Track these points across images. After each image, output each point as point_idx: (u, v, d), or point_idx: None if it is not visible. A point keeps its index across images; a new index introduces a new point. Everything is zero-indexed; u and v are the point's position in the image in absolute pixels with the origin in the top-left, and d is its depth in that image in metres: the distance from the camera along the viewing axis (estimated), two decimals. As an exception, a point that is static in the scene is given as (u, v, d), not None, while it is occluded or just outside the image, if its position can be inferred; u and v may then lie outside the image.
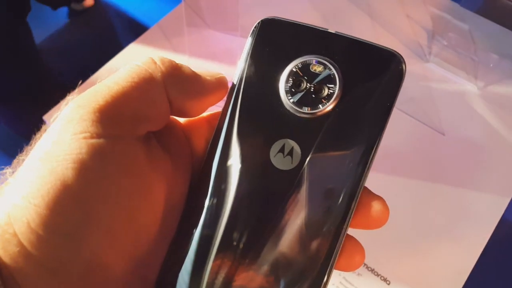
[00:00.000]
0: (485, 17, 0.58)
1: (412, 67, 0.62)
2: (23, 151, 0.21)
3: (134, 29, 1.40)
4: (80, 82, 0.30)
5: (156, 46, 0.64)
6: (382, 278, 0.49)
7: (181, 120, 0.24)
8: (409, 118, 0.58)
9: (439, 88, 0.61)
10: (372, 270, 0.49)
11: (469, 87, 0.61)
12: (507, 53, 0.61)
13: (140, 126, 0.20)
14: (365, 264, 0.50)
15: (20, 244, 0.17)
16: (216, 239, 0.21)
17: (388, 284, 0.49)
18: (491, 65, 0.60)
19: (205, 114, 0.24)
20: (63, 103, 0.20)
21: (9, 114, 1.17)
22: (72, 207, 0.17)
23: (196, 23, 0.61)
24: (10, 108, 1.13)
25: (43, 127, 0.20)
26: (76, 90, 0.21)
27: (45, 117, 0.57)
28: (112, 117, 0.19)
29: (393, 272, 0.49)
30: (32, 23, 1.10)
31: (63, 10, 1.44)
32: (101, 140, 0.18)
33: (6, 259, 0.17)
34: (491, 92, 0.60)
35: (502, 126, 0.58)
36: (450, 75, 0.61)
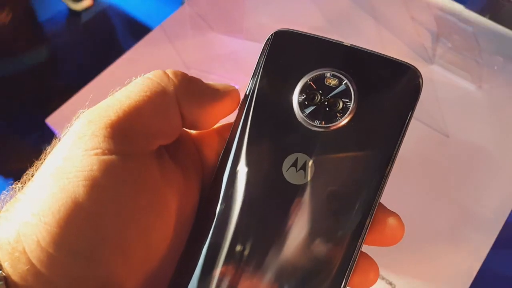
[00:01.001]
0: (490, 19, 0.57)
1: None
2: (32, 165, 0.20)
3: (134, 30, 1.39)
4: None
5: (158, 49, 0.64)
6: (388, 282, 0.49)
7: (192, 131, 0.23)
8: (412, 120, 0.58)
9: (443, 90, 0.60)
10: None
11: (474, 89, 0.60)
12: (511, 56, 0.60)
13: (153, 140, 0.20)
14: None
15: (30, 262, 0.16)
16: (226, 253, 0.20)
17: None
18: (496, 67, 0.59)
19: (216, 125, 0.23)
20: (74, 118, 0.20)
21: (8, 116, 1.17)
22: (83, 225, 0.17)
23: (200, 26, 0.61)
24: (8, 110, 1.13)
25: (54, 141, 0.20)
26: (87, 103, 0.20)
27: (48, 121, 0.57)
28: (124, 133, 0.19)
29: (398, 276, 0.49)
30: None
31: (61, 10, 1.43)
32: (113, 157, 0.18)
33: (16, 277, 0.16)
34: (496, 94, 0.60)
35: (507, 129, 0.58)
36: (455, 77, 0.61)
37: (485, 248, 0.51)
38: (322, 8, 0.67)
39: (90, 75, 0.62)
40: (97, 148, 0.18)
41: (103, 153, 0.18)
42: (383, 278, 0.49)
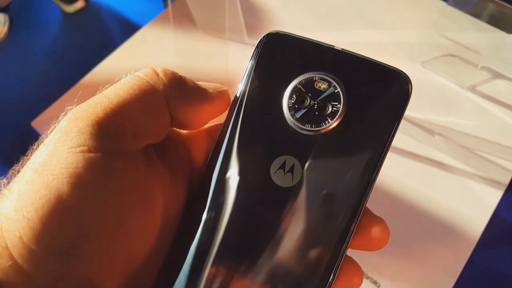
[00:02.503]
0: (475, 17, 0.58)
1: (402, 68, 0.61)
2: (18, 161, 0.20)
3: (127, 31, 1.39)
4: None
5: (145, 48, 0.64)
6: (372, 280, 0.49)
7: (182, 131, 0.23)
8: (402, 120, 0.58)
9: (428, 88, 0.61)
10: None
11: (458, 87, 0.61)
12: (495, 53, 0.61)
13: (140, 139, 0.20)
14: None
15: (12, 258, 0.16)
16: (212, 254, 0.20)
17: (378, 286, 0.49)
18: (480, 65, 0.60)
19: (206, 125, 0.23)
20: (61, 114, 0.19)
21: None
22: (66, 223, 0.17)
23: (185, 26, 0.61)
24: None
25: (40, 137, 0.20)
26: (75, 100, 0.20)
27: (33, 124, 0.57)
28: (111, 131, 0.18)
29: (383, 274, 0.49)
30: (23, 25, 1.09)
31: (55, 12, 1.44)
32: (98, 154, 0.18)
33: None
34: (480, 92, 0.60)
35: (491, 125, 0.58)
36: (439, 75, 0.61)
37: (470, 246, 0.51)
38: (311, 9, 0.67)
39: (82, 76, 0.62)
40: (83, 145, 0.18)
41: (89, 151, 0.18)
42: (368, 277, 0.49)
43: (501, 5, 0.52)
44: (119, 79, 0.20)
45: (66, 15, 1.44)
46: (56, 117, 0.20)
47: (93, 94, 0.20)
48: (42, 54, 1.35)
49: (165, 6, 0.54)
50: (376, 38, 0.63)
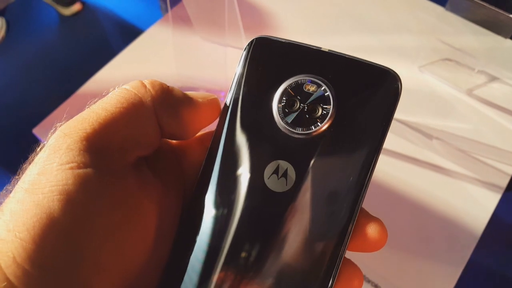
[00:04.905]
0: (472, 21, 0.58)
1: (399, 72, 0.62)
2: (11, 180, 0.20)
3: (125, 34, 1.39)
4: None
5: (144, 55, 0.64)
6: (373, 284, 0.49)
7: (173, 141, 0.23)
8: (397, 124, 0.59)
9: (425, 92, 0.61)
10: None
11: (455, 91, 0.61)
12: (492, 57, 0.61)
13: (130, 153, 0.20)
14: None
15: (6, 279, 0.16)
16: (209, 262, 0.20)
17: (379, 290, 0.49)
18: (476, 69, 0.60)
19: (198, 134, 0.23)
20: (50, 131, 0.20)
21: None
22: (58, 241, 0.17)
23: (184, 32, 0.61)
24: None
25: (30, 157, 0.20)
26: (64, 115, 0.20)
27: (35, 131, 0.57)
28: (100, 146, 0.18)
29: (384, 277, 0.50)
30: (19, 29, 1.09)
31: (51, 15, 1.43)
32: (88, 170, 0.18)
33: None
34: (477, 96, 0.61)
35: (488, 129, 0.59)
36: (437, 79, 0.62)
37: (469, 248, 0.51)
38: (305, 15, 0.67)
39: (81, 80, 0.62)
40: (72, 162, 0.18)
41: (78, 167, 0.18)
42: (369, 281, 0.50)
43: (496, 12, 0.52)
44: (107, 93, 0.20)
45: (62, 18, 1.44)
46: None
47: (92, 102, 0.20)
48: (39, 58, 1.34)
49: (161, 9, 0.54)
50: (373, 42, 0.64)
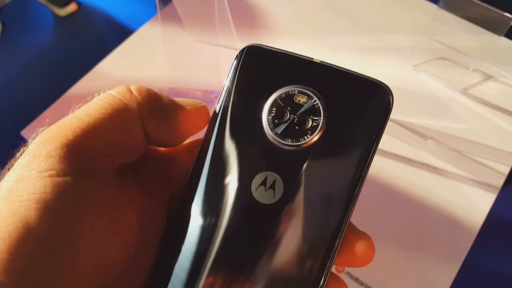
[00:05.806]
0: (466, 19, 0.58)
1: (394, 72, 0.61)
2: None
3: (119, 34, 1.39)
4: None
5: (135, 55, 0.63)
6: (366, 286, 0.49)
7: (161, 148, 0.23)
8: (391, 124, 0.58)
9: (419, 92, 0.61)
10: (356, 279, 0.49)
11: (450, 90, 0.61)
12: (487, 55, 0.61)
13: (113, 159, 0.19)
14: (348, 273, 0.49)
15: None
16: (193, 273, 0.20)
17: (372, 293, 0.49)
18: (471, 68, 0.60)
19: (185, 141, 0.23)
20: (31, 136, 0.19)
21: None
22: (34, 251, 0.16)
23: (175, 32, 0.61)
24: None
25: (9, 163, 0.19)
26: (47, 120, 0.20)
27: (23, 133, 0.56)
28: (81, 152, 0.18)
29: (377, 280, 0.49)
30: (15, 29, 1.09)
31: (46, 16, 1.43)
32: (67, 178, 0.17)
33: None
34: (471, 95, 0.60)
35: (483, 128, 0.58)
36: (431, 78, 0.61)
37: (463, 251, 0.51)
38: (299, 16, 0.67)
39: (76, 81, 0.61)
40: (51, 169, 0.17)
41: (57, 175, 0.17)
42: (362, 283, 0.49)
43: (488, 10, 0.52)
44: (92, 98, 0.20)
45: (58, 18, 1.44)
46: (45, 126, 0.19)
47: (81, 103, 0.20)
48: (34, 58, 1.34)
49: (158, 9, 0.54)
50: (367, 41, 0.63)
